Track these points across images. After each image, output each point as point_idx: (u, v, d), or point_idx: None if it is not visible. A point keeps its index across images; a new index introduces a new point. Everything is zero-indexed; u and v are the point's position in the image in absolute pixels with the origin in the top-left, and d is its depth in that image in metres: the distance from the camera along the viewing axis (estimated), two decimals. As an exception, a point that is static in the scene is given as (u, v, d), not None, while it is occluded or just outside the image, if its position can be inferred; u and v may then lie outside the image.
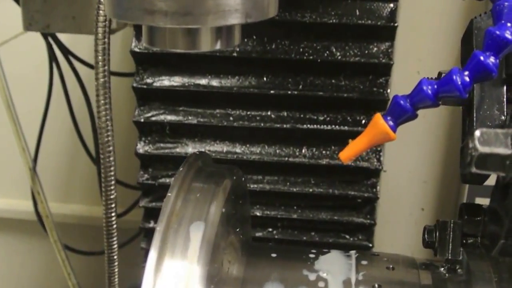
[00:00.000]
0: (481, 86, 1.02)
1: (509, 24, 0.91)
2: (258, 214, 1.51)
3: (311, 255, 1.11)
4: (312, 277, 1.06)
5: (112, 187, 1.35)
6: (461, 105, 1.06)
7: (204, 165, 1.13)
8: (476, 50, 0.92)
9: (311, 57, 1.40)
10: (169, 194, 1.02)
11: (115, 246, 1.39)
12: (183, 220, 0.99)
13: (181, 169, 1.07)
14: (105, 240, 1.41)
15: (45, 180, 1.80)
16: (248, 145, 1.48)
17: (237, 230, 1.12)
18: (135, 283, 1.78)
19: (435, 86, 0.95)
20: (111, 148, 1.34)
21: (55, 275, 2.10)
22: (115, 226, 1.40)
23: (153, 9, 0.88)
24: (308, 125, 1.44)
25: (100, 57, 1.17)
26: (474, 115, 1.01)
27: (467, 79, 0.92)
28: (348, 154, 1.04)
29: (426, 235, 1.16)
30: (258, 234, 1.53)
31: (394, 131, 1.00)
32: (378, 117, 1.01)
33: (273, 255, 1.13)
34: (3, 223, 2.20)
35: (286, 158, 1.46)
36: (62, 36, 1.66)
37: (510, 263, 1.05)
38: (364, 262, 1.09)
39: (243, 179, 1.19)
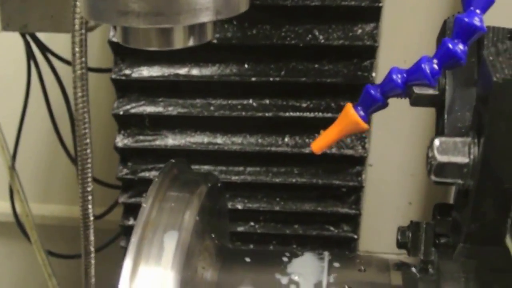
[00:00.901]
0: (453, 87, 1.03)
1: (478, 11, 0.92)
2: (239, 207, 1.47)
3: (285, 259, 1.12)
4: (284, 280, 1.08)
5: (89, 180, 1.33)
6: (433, 106, 1.07)
7: (180, 173, 1.15)
8: (445, 38, 0.93)
9: (293, 42, 1.37)
10: (144, 205, 1.05)
11: (92, 239, 1.37)
12: (158, 230, 1.02)
13: (156, 179, 1.10)
14: (82, 232, 1.38)
15: (23, 180, 1.75)
16: (229, 135, 1.44)
17: (213, 235, 1.14)
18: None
19: (405, 75, 0.97)
20: (88, 140, 1.32)
21: (34, 278, 2.06)
22: (91, 219, 1.37)
23: (126, 11, 0.90)
24: (291, 113, 1.41)
25: (77, 49, 1.15)
26: (445, 116, 1.02)
27: (436, 67, 0.94)
28: (320, 144, 1.06)
29: (399, 236, 1.16)
30: (240, 228, 1.50)
31: (366, 121, 1.02)
32: (349, 107, 1.02)
33: (247, 259, 1.15)
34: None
35: (268, 148, 1.43)
36: (39, 33, 1.62)
37: (478, 263, 1.04)
38: (336, 265, 1.11)
39: (219, 184, 1.21)
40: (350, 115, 1.01)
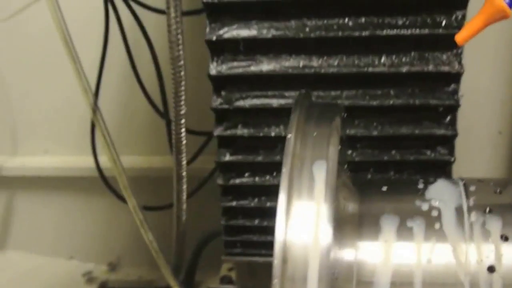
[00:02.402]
0: None
1: None
2: (337, 135, 1.44)
3: (420, 186, 1.13)
4: (425, 206, 1.08)
5: (182, 97, 1.32)
6: None
7: (311, 104, 1.16)
8: None
9: (389, -45, 1.35)
10: (288, 136, 1.04)
11: (184, 188, 1.38)
12: (306, 160, 1.02)
13: (293, 111, 1.09)
14: (175, 181, 1.36)
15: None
16: (325, 57, 1.41)
17: (345, 167, 1.16)
18: (213, 230, 1.75)
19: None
20: (181, 62, 1.31)
21: (116, 232, 2.05)
22: (184, 142, 1.35)
23: None
24: (388, 31, 1.38)
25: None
26: None
27: None
28: (464, 35, 1.06)
29: None
30: (338, 158, 1.46)
31: (511, 7, 1.00)
32: None
33: (384, 189, 1.16)
34: (63, 182, 2.14)
35: (365, 69, 1.40)
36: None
37: None
38: (472, 188, 1.11)
39: (344, 114, 1.21)
40: (496, 2, 1.01)
